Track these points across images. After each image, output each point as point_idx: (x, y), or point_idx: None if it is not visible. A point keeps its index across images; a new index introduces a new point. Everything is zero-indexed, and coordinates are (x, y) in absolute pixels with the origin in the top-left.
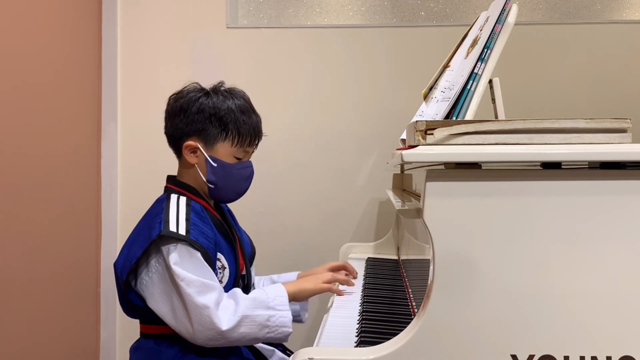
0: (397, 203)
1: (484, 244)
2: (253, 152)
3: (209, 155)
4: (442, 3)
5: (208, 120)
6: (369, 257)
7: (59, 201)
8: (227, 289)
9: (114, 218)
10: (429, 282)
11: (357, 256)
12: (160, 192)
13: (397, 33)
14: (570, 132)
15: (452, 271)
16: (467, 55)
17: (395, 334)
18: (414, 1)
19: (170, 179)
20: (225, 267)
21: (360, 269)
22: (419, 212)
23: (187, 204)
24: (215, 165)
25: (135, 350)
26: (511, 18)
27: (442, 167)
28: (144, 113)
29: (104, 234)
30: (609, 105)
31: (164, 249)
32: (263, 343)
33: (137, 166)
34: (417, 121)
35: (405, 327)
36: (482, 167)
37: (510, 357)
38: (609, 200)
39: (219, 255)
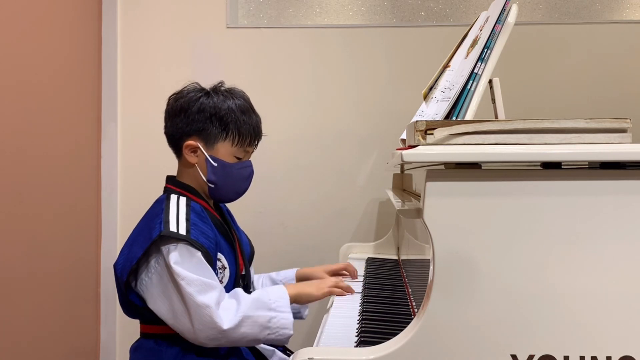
0: (397, 203)
1: (484, 244)
2: (253, 152)
3: (209, 155)
4: (442, 3)
5: (209, 120)
6: (369, 257)
7: (59, 201)
8: (227, 289)
9: (114, 218)
10: (429, 282)
11: (357, 256)
12: (160, 192)
13: (397, 33)
14: (570, 132)
15: (452, 271)
16: (467, 55)
17: (395, 334)
18: (414, 1)
19: (169, 179)
20: (225, 267)
21: (360, 269)
22: (419, 212)
23: (187, 205)
24: (215, 164)
25: (135, 350)
26: (511, 18)
27: (442, 167)
28: (144, 113)
29: (104, 234)
30: (609, 105)
31: (164, 249)
32: (263, 344)
33: (137, 166)
34: (417, 121)
35: (405, 327)
36: (482, 167)
37: (510, 357)
38: (609, 200)
39: (220, 256)
